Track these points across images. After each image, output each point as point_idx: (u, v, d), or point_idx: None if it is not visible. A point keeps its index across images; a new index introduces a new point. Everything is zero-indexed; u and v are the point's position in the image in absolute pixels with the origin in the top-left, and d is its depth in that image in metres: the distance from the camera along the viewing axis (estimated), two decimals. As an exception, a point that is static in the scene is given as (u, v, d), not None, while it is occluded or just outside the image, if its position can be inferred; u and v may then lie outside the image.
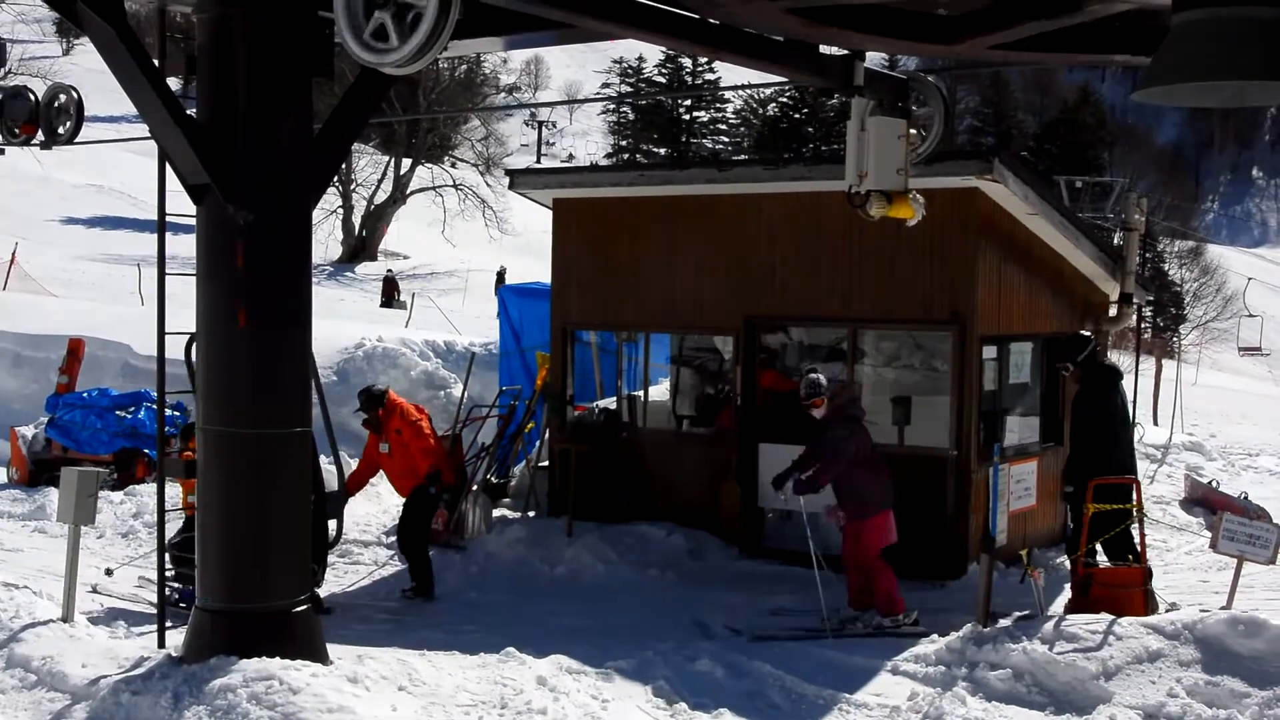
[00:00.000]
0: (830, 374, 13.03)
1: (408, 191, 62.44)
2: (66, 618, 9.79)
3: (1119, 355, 32.24)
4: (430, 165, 63.84)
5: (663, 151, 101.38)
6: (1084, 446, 11.84)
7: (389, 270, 53.10)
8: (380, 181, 61.77)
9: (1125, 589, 11.01)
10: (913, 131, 9.54)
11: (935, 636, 10.36)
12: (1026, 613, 10.75)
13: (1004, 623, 10.32)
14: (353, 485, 13.16)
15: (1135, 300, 16.32)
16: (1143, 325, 32.63)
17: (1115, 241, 20.40)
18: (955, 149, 12.63)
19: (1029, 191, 13.29)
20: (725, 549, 14.08)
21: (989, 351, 13.71)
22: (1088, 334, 12.65)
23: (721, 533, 14.19)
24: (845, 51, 9.21)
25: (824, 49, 9.30)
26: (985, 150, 28.73)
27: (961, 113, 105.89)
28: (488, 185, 62.06)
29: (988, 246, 13.47)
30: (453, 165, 67.17)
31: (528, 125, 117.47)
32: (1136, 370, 21.31)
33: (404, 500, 12.98)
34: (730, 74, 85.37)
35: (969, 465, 13.18)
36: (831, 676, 9.81)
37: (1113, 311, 16.06)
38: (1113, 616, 9.74)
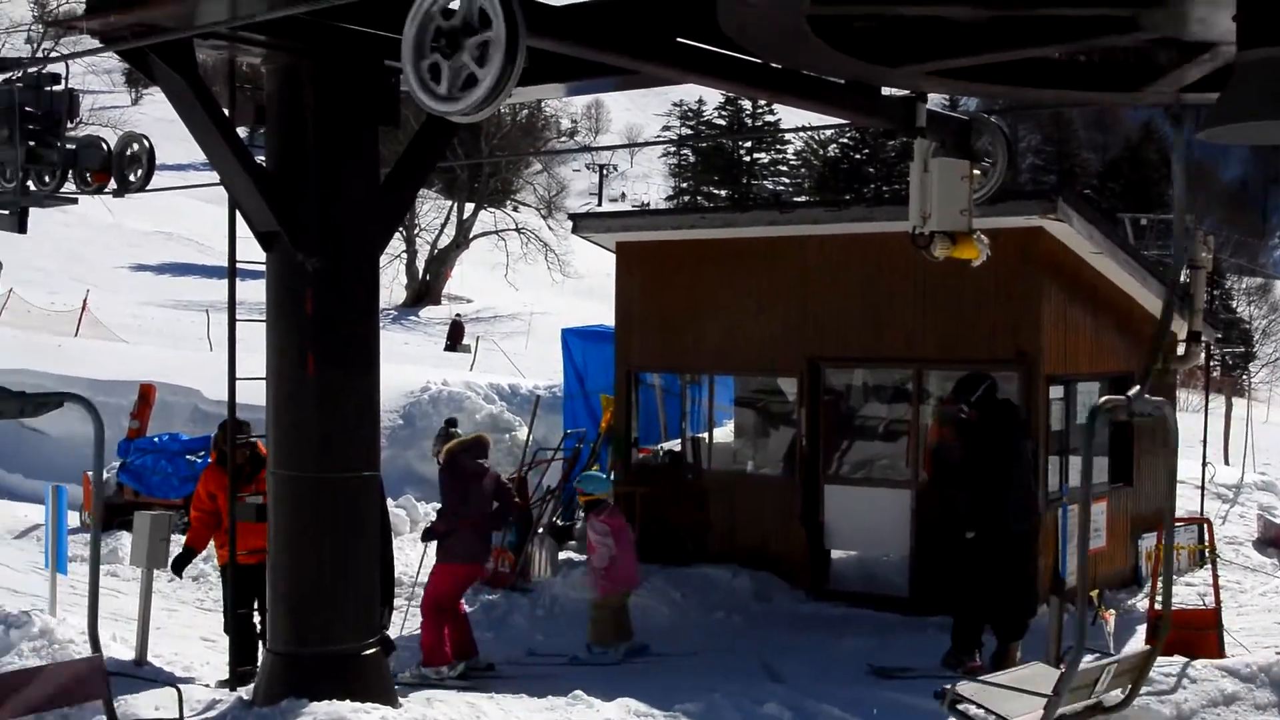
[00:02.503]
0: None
1: (471, 235, 62.82)
2: (139, 661, 9.90)
3: (1188, 394, 31.85)
4: (493, 209, 64.23)
5: (723, 193, 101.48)
6: (979, 490, 11.57)
7: (457, 314, 53.40)
8: (443, 226, 62.19)
9: (1199, 631, 10.86)
10: (976, 172, 9.53)
11: (1005, 679, 10.23)
12: (1097, 655, 10.61)
13: (1075, 665, 10.18)
14: None
15: (1204, 338, 16.13)
16: (1211, 363, 32.28)
17: (1182, 279, 20.17)
18: (1018, 188, 12.62)
19: (1093, 230, 13.22)
20: (791, 591, 14.01)
21: (1055, 392, 13.61)
22: (984, 374, 12.30)
23: (787, 575, 14.14)
24: (907, 93, 9.23)
25: (886, 90, 9.32)
26: (1049, 189, 28.55)
27: (1023, 151, 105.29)
28: (550, 229, 62.37)
29: (1052, 286, 13.40)
30: (515, 209, 67.55)
31: (589, 168, 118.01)
32: (1206, 409, 21.04)
33: None
34: (790, 115, 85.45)
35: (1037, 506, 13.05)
36: (895, 717, 9.74)
37: (1181, 350, 15.87)
38: (1186, 659, 9.61)
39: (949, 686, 7.56)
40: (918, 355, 13.81)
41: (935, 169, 9.03)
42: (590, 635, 12.22)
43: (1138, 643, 11.38)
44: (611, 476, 15.76)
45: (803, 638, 12.57)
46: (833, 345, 14.30)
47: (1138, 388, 7.49)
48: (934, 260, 9.15)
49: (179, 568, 11.03)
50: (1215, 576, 11.40)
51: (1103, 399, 7.37)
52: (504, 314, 58.07)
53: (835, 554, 14.49)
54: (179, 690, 7.70)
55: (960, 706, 7.52)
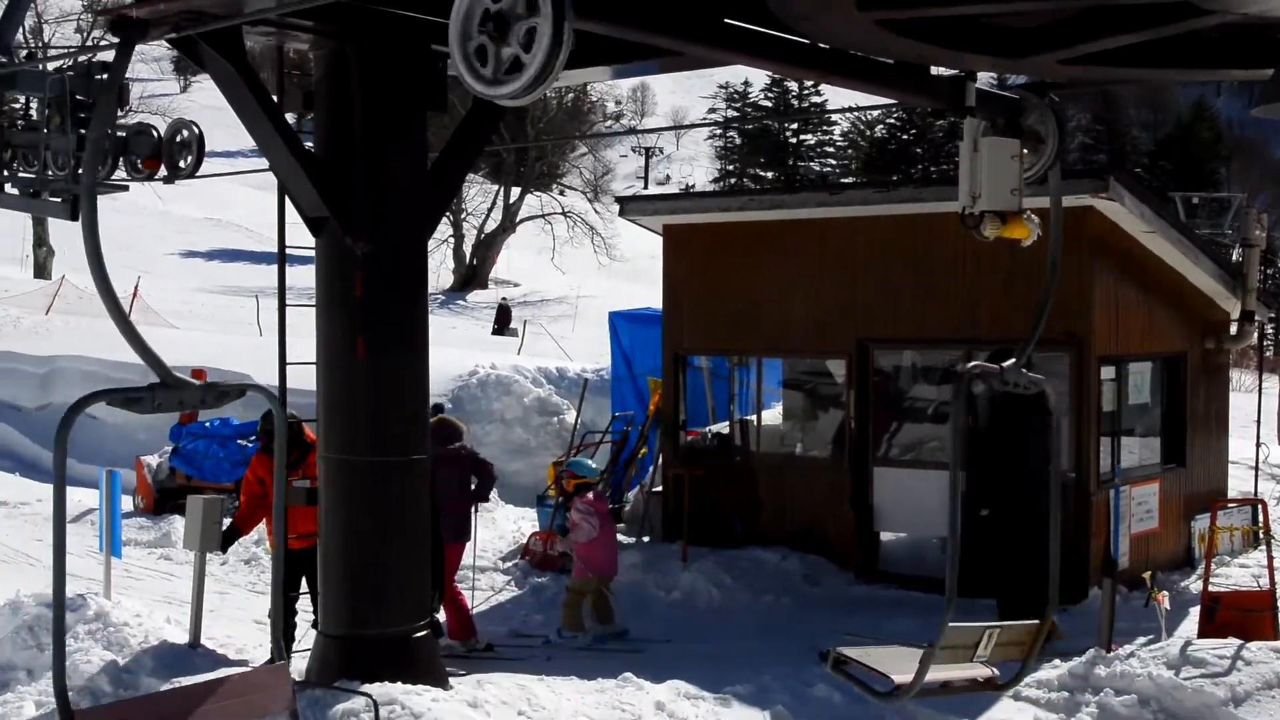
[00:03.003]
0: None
1: (517, 220, 62.93)
2: (193, 643, 9.99)
3: (1241, 374, 31.52)
4: (539, 193, 64.32)
5: (770, 175, 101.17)
6: (995, 468, 11.48)
7: (503, 298, 53.53)
8: (490, 210, 62.33)
9: (1254, 613, 10.77)
10: (1026, 151, 9.45)
11: (1058, 661, 10.19)
12: (1150, 638, 10.55)
13: (1128, 647, 10.14)
14: None
15: (1257, 317, 15.98)
16: (1265, 343, 31.96)
17: (1235, 258, 20.04)
18: (1069, 168, 12.49)
19: (1145, 209, 13.10)
20: (841, 574, 14.00)
21: (1107, 372, 13.51)
22: (1008, 350, 12.18)
23: (837, 557, 14.12)
24: (956, 72, 9.16)
25: (934, 70, 9.25)
26: (1099, 168, 28.32)
27: (1073, 130, 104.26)
28: (596, 212, 62.39)
29: (1104, 265, 13.29)
30: (561, 193, 67.62)
31: (635, 152, 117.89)
32: (1260, 389, 20.81)
33: None
34: (837, 96, 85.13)
35: (1088, 488, 12.97)
36: (950, 701, 9.66)
37: (1234, 329, 15.74)
38: (1241, 641, 9.53)
39: (832, 648, 7.87)
40: (967, 336, 13.72)
41: (985, 148, 8.95)
42: (562, 619, 12.30)
43: (1191, 625, 11.30)
44: (660, 459, 15.79)
45: (852, 620, 12.53)
46: (881, 326, 14.25)
47: (1013, 360, 7.73)
48: (984, 240, 9.08)
49: (225, 545, 11.12)
50: (1270, 558, 11.29)
51: (971, 364, 7.44)
52: (550, 297, 58.15)
53: (885, 536, 14.45)
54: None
55: (844, 666, 7.82)
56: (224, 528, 10.79)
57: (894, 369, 15.04)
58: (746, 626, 12.47)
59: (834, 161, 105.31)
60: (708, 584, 13.53)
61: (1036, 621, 8.50)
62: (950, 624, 7.60)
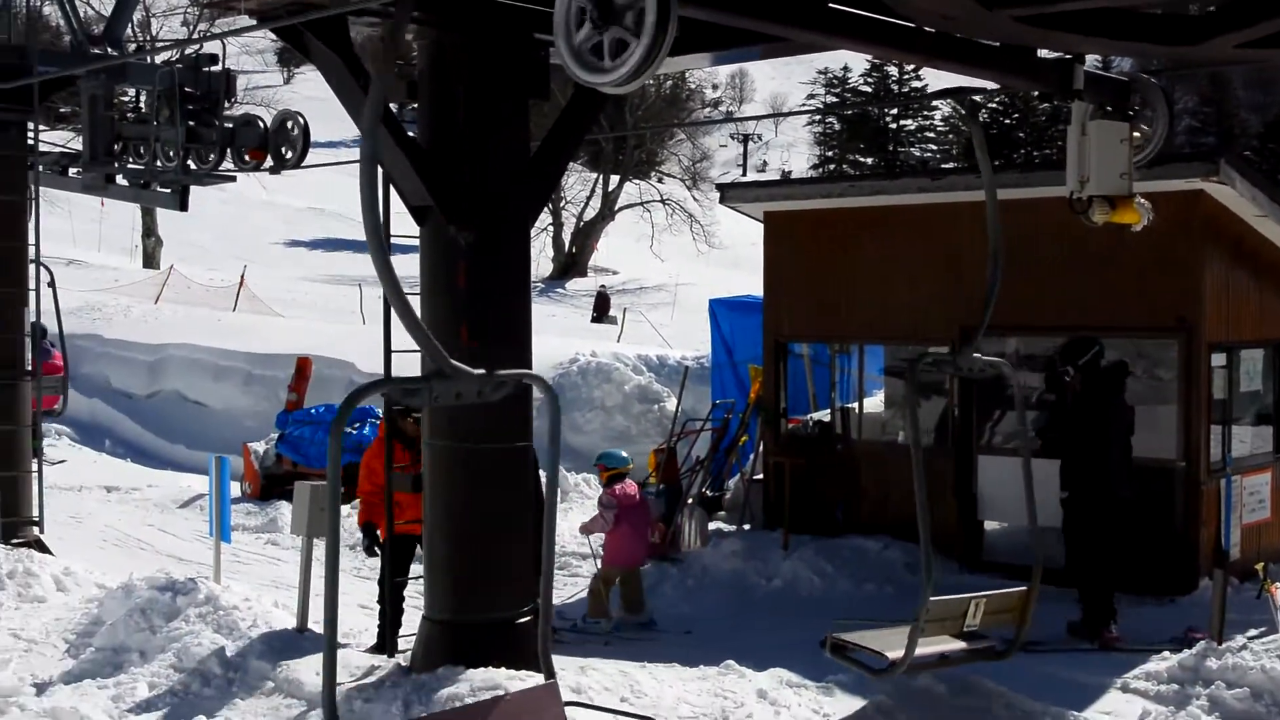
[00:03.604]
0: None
1: (616, 208, 63.09)
2: (301, 627, 10.13)
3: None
4: (638, 181, 64.41)
5: (870, 161, 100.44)
6: (1077, 453, 11.29)
7: (601, 286, 53.70)
8: (589, 198, 62.54)
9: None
10: (1135, 134, 9.29)
11: (1167, 653, 10.04)
12: (1263, 630, 10.35)
13: (1240, 639, 9.95)
14: None
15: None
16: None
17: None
18: (1177, 151, 12.23)
19: (1257, 193, 12.81)
20: (944, 563, 13.84)
21: (1218, 359, 13.25)
22: (1092, 338, 12.00)
23: (940, 547, 13.95)
24: (1063, 55, 9.02)
25: (1041, 52, 9.12)
26: (1210, 151, 27.81)
27: (1180, 112, 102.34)
28: (694, 199, 62.35)
29: (1214, 250, 13.03)
30: (660, 181, 67.65)
31: (733, 139, 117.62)
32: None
33: None
34: (937, 80, 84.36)
35: (1198, 477, 12.74)
36: (1058, 693, 9.57)
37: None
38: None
39: (830, 634, 8.60)
40: (1073, 323, 13.51)
41: (1093, 132, 8.82)
42: (588, 606, 12.46)
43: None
44: (761, 447, 15.75)
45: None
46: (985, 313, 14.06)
47: (966, 346, 7.81)
48: (1093, 225, 8.96)
49: (369, 547, 11.23)
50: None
51: (927, 351, 7.71)
52: (649, 285, 58.24)
53: (988, 525, 14.29)
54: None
55: (843, 650, 8.49)
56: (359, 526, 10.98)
57: (998, 356, 14.84)
58: (848, 615, 12.37)
59: (934, 147, 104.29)
60: (809, 572, 13.48)
61: (1025, 587, 9.00)
62: (932, 598, 8.06)
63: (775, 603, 13.01)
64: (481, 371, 5.30)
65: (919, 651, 8.25)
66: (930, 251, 14.42)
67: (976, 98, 9.18)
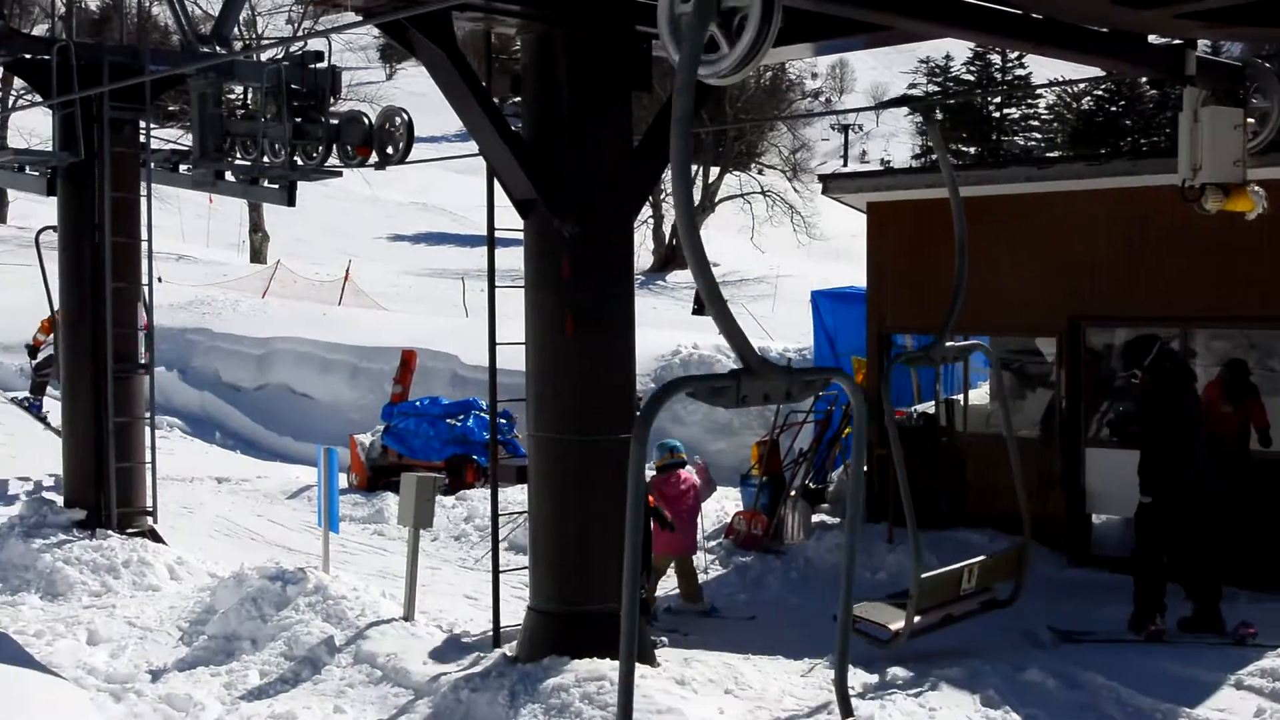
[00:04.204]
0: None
1: (716, 200, 62.97)
2: (408, 616, 10.25)
3: None
4: (738, 173, 64.24)
5: (972, 150, 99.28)
6: (1156, 455, 11.02)
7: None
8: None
9: None
10: (1249, 120, 9.10)
11: (1288, 651, 9.83)
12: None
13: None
14: None
15: None
16: None
17: None
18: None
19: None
20: (1051, 557, 13.67)
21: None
22: (1152, 336, 11.72)
23: (1047, 540, 13.79)
24: (1172, 40, 8.86)
25: (1152, 38, 8.96)
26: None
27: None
28: (795, 191, 62.08)
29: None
30: (760, 172, 67.42)
31: (834, 129, 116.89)
32: None
33: None
34: (1042, 68, 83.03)
35: (1315, 469, 12.46)
36: (1169, 689, 9.41)
37: None
38: None
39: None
40: (1183, 313, 13.28)
41: (1206, 118, 8.67)
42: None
43: None
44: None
45: (1063, 604, 12.25)
46: (1093, 304, 13.86)
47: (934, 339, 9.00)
48: (1205, 214, 8.80)
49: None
50: None
51: (900, 353, 8.21)
52: (750, 277, 58.05)
53: (1096, 519, 14.09)
54: None
55: (852, 623, 8.82)
56: (436, 505, 11.06)
57: (1106, 347, 14.63)
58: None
59: (1039, 135, 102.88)
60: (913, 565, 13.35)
61: (1017, 547, 10.45)
62: (924, 575, 9.10)
63: (880, 595, 12.90)
64: (787, 368, 5.06)
65: (925, 616, 9.27)
66: (1036, 241, 14.22)
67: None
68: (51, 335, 18.57)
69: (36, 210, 20.68)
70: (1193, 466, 10.97)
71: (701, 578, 13.68)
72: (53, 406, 20.25)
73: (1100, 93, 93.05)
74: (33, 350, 20.24)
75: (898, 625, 9.29)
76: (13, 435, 20.49)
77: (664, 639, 10.37)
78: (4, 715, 6.80)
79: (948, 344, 9.79)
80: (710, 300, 4.71)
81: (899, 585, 13.03)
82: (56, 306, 15.42)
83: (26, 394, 20.30)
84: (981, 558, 10.40)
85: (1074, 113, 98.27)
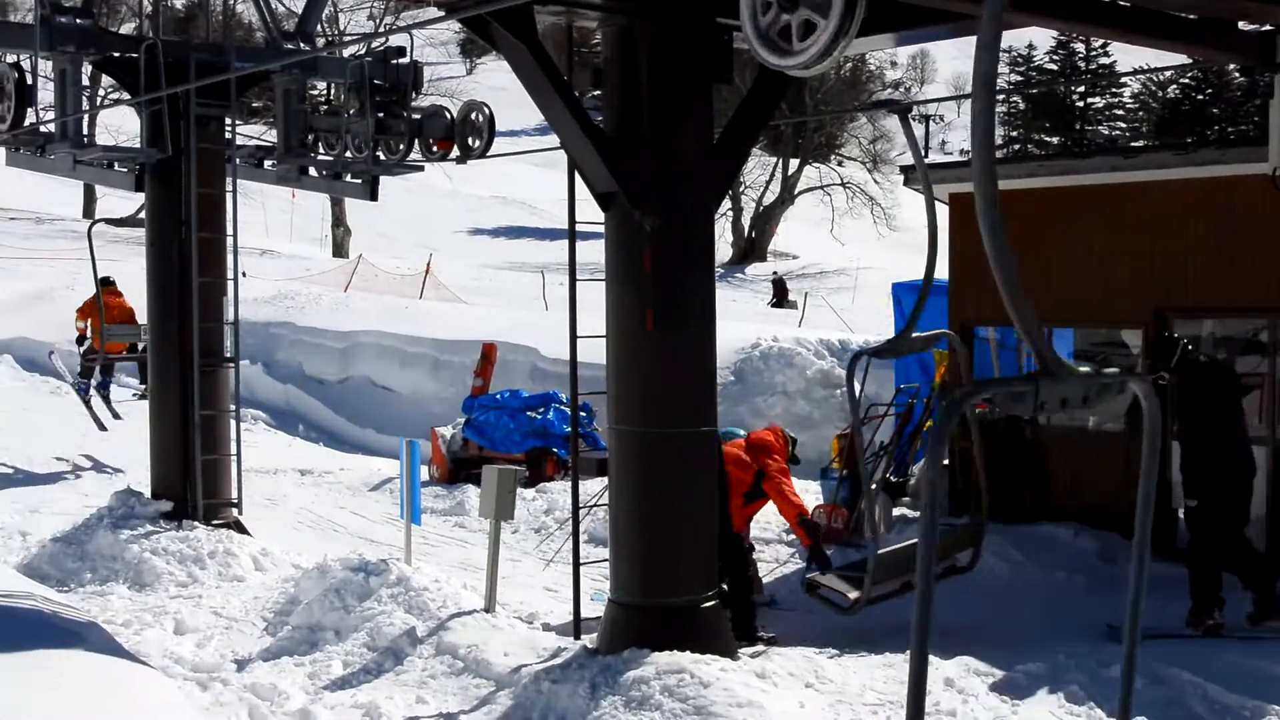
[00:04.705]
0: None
1: (796, 192, 62.76)
2: (489, 608, 10.30)
3: None
4: (818, 165, 63.99)
5: (1055, 140, 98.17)
6: (1197, 455, 10.78)
7: (774, 272, 53.54)
8: (768, 183, 62.31)
9: None
10: (1343, 107, 8.92)
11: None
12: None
13: None
14: None
15: None
16: None
17: None
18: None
19: None
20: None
21: None
22: (1175, 335, 11.47)
23: (1130, 534, 13.60)
24: (1266, 26, 8.70)
25: (1241, 24, 8.81)
26: None
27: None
28: (875, 182, 61.73)
29: None
30: (839, 164, 67.09)
31: (915, 119, 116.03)
32: None
33: None
34: (1125, 56, 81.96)
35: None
36: (1256, 686, 9.25)
37: None
38: None
39: (811, 575, 10.45)
40: (1273, 304, 13.04)
41: (1297, 106, 8.51)
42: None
43: None
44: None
45: (1149, 600, 12.05)
46: (1180, 295, 13.65)
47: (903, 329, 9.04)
48: (1296, 203, 8.64)
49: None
50: None
51: (862, 351, 9.24)
52: (830, 269, 57.85)
53: (1183, 513, 13.88)
54: None
55: (815, 589, 10.23)
56: (517, 498, 11.11)
57: (1193, 339, 14.40)
58: (1038, 604, 12.16)
59: (1124, 124, 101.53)
60: (997, 559, 13.23)
61: (975, 521, 11.33)
62: (880, 551, 9.80)
63: (961, 590, 12.81)
64: (1087, 370, 4.82)
65: (884, 586, 9.92)
66: (1121, 231, 14.03)
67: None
68: (89, 320, 19.75)
69: (124, 207, 21.05)
70: (1235, 463, 10.82)
71: (780, 571, 13.66)
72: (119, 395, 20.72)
73: (1186, 81, 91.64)
74: (80, 338, 20.78)
75: (855, 594, 9.85)
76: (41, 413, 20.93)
77: (774, 635, 10.36)
78: (99, 702, 6.92)
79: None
80: (1009, 294, 4.50)
81: (979, 580, 12.94)
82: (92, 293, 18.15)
83: (78, 377, 20.71)
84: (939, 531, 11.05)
85: (1159, 101, 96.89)
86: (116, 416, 20.07)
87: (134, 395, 21.12)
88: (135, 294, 20.15)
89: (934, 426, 3.50)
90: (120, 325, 19.30)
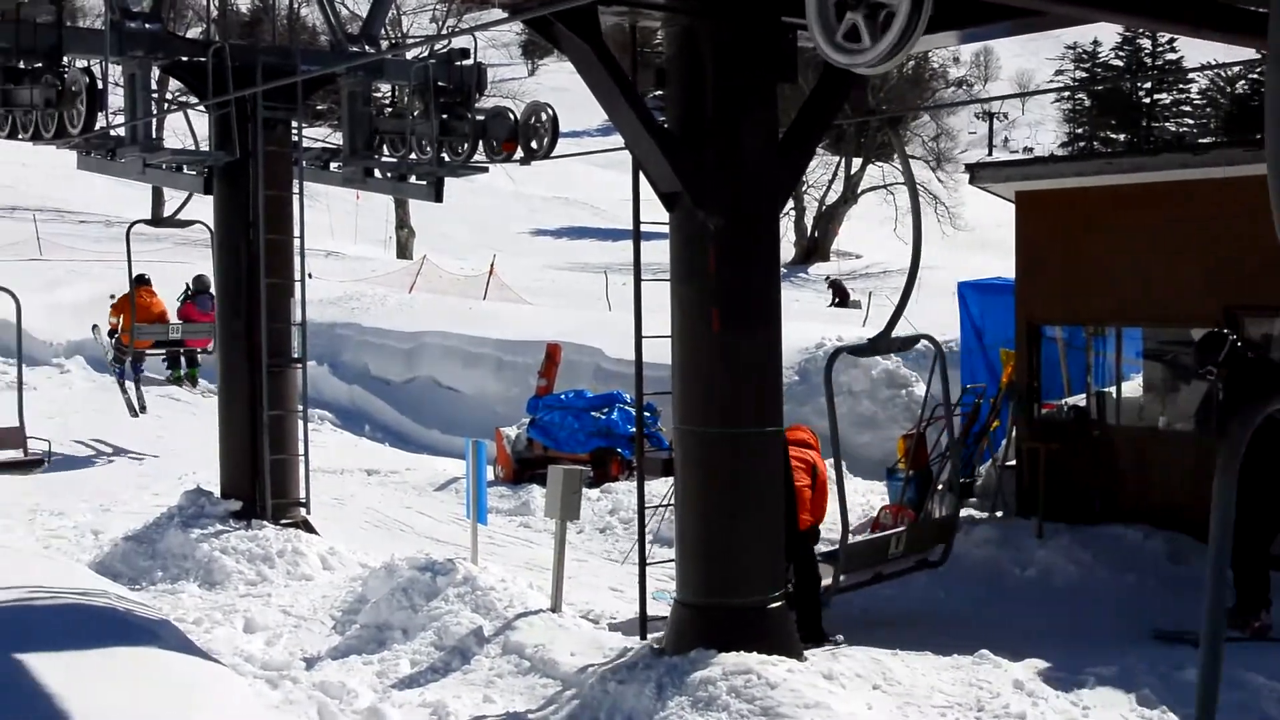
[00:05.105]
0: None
1: (858, 191, 62.49)
2: (555, 608, 10.33)
3: None
4: (880, 164, 63.68)
5: (1121, 137, 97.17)
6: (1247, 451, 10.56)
7: (828, 276, 53.34)
8: (831, 182, 62.09)
9: None
10: None
11: None
12: None
13: None
14: None
15: None
16: None
17: None
18: None
19: None
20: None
21: None
22: (1222, 330, 11.24)
23: (1204, 537, 13.40)
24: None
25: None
26: None
27: None
28: (939, 181, 61.36)
29: None
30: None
31: (978, 118, 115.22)
32: None
33: None
34: (1192, 51, 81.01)
35: None
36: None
37: None
38: None
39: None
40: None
41: (1374, 100, 8.35)
42: None
43: None
44: (1013, 432, 15.41)
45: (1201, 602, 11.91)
46: (1250, 293, 13.47)
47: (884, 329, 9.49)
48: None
49: None
50: None
51: (840, 348, 9.39)
52: (893, 269, 57.50)
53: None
54: None
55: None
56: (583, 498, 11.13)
57: (1264, 338, 14.21)
58: (1107, 606, 12.03)
59: (1191, 121, 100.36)
60: (1065, 561, 13.13)
61: (947, 516, 11.83)
62: (851, 540, 10.20)
63: (1029, 592, 12.72)
64: None
65: (852, 575, 10.43)
66: (1191, 229, 13.87)
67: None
68: (121, 316, 20.86)
69: (194, 210, 21.36)
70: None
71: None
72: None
73: (1256, 76, 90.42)
74: (111, 331, 21.70)
75: (826, 581, 10.30)
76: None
77: (840, 636, 10.32)
78: (174, 699, 7.00)
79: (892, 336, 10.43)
80: None
81: (1047, 582, 12.88)
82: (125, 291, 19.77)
83: (113, 363, 21.76)
84: (911, 526, 11.82)
85: (1228, 97, 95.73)
86: (142, 409, 21.38)
87: (166, 378, 22.49)
88: (168, 293, 21.90)
89: (1225, 444, 3.33)
90: (149, 324, 20.70)
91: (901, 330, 10.71)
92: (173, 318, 21.59)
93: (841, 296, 47.89)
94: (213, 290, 19.32)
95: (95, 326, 22.88)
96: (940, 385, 12.13)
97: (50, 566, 10.87)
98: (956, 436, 15.98)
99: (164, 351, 21.68)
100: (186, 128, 17.40)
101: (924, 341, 11.96)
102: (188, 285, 22.29)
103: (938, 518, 12.44)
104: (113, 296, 21.84)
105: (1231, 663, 9.15)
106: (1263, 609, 10.69)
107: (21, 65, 13.27)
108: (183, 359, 22.14)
